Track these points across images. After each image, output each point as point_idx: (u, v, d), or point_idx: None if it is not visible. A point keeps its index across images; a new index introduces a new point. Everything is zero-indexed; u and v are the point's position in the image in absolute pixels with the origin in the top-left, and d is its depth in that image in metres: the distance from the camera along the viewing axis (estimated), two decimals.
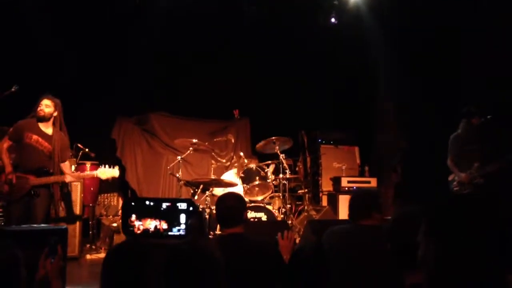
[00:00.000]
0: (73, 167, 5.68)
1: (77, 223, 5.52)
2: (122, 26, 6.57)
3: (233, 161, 7.19)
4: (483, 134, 5.04)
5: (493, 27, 5.59)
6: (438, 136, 5.63)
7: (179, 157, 5.78)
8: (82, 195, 5.65)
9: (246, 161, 6.16)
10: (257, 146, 6.20)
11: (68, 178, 4.55)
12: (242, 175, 5.97)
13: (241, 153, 6.42)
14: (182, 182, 5.75)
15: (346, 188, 6.99)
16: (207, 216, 5.30)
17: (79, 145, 5.96)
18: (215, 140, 6.93)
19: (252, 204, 5.69)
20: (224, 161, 7.26)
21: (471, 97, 5.54)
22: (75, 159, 5.89)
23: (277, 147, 5.99)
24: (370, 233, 2.52)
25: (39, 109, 4.47)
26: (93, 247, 6.01)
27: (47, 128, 4.54)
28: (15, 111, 4.70)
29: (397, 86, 7.20)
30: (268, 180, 5.92)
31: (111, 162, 4.89)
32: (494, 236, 1.24)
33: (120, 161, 7.17)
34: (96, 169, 5.97)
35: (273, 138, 5.92)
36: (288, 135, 6.11)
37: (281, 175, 5.97)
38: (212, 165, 6.35)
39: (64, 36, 6.28)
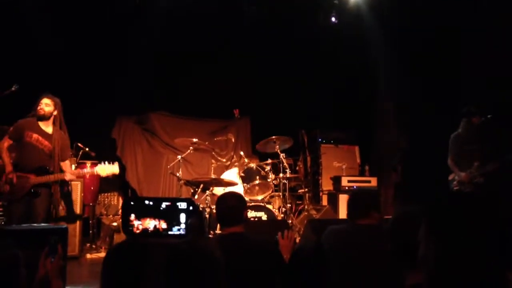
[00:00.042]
0: (73, 167, 5.68)
1: (77, 222, 5.52)
2: (122, 26, 6.57)
3: (233, 160, 7.19)
4: (483, 133, 5.05)
5: (493, 27, 5.59)
6: (438, 136, 5.64)
7: (179, 157, 5.78)
8: (83, 194, 5.65)
9: (246, 160, 6.16)
10: (257, 145, 6.21)
11: (68, 176, 4.55)
12: (242, 174, 5.97)
13: (241, 153, 6.42)
14: (182, 181, 5.75)
15: (346, 188, 6.99)
16: (207, 216, 5.31)
17: (79, 144, 5.97)
18: (215, 139, 6.94)
19: (252, 204, 5.69)
20: (224, 160, 7.26)
21: (471, 97, 5.54)
22: (75, 158, 5.90)
23: (277, 146, 5.99)
24: (368, 233, 2.52)
25: (39, 108, 4.48)
26: (93, 246, 6.01)
27: (47, 127, 4.55)
28: (15, 111, 4.70)
29: (397, 86, 7.20)
30: (269, 180, 5.92)
31: (111, 161, 4.88)
32: (494, 235, 1.24)
33: (120, 160, 7.18)
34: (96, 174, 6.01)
35: (273, 137, 5.93)
36: (288, 135, 6.12)
37: (281, 175, 5.98)
38: (212, 165, 6.35)
39: (64, 35, 6.28)
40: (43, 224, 3.77)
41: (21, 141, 4.45)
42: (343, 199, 6.78)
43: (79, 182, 5.64)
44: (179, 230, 3.12)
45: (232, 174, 6.12)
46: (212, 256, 1.66)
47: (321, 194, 7.63)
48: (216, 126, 7.82)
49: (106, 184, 6.73)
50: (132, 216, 3.07)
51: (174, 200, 3.23)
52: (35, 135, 4.45)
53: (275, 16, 6.96)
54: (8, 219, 4.44)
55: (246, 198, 5.72)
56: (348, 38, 7.20)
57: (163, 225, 3.10)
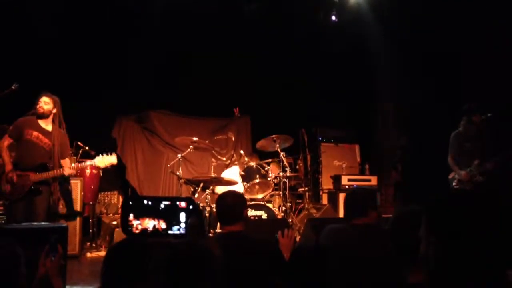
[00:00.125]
0: (73, 164, 5.69)
1: (77, 221, 5.52)
2: (122, 25, 6.57)
3: (233, 159, 7.19)
4: (483, 132, 5.05)
5: (493, 27, 5.58)
6: (438, 134, 5.64)
7: (179, 155, 5.78)
8: (83, 193, 5.65)
9: (246, 159, 6.16)
10: (258, 144, 6.20)
11: (67, 171, 4.53)
12: (243, 173, 5.97)
13: (242, 151, 6.41)
14: (182, 180, 5.75)
15: (347, 186, 6.98)
16: (207, 214, 5.31)
17: (79, 143, 5.97)
18: (215, 138, 6.93)
19: (253, 202, 5.69)
20: (224, 159, 7.25)
21: (471, 95, 5.53)
22: (75, 157, 5.89)
23: (278, 145, 5.99)
24: (367, 232, 2.52)
25: (38, 106, 4.49)
26: (94, 245, 6.01)
27: (47, 125, 4.56)
28: (15, 110, 4.70)
29: (397, 86, 7.20)
30: (269, 178, 5.92)
31: (109, 152, 4.85)
32: (494, 234, 1.24)
33: (120, 159, 7.18)
34: (96, 167, 6.00)
35: (274, 136, 5.92)
36: (288, 133, 6.12)
37: (281, 173, 5.98)
38: (213, 163, 6.35)
39: (64, 35, 6.28)
40: (43, 223, 3.76)
41: (21, 139, 4.46)
42: (343, 198, 6.71)
43: (79, 181, 5.65)
44: (179, 229, 3.11)
45: (232, 173, 6.12)
46: (212, 255, 1.66)
47: (321, 193, 7.63)
48: (216, 124, 7.81)
49: (106, 183, 6.74)
50: (131, 216, 3.07)
51: (173, 200, 3.23)
52: (35, 133, 4.46)
53: (275, 16, 6.96)
54: (10, 218, 4.45)
55: (246, 197, 5.72)
56: (348, 37, 7.19)
57: (163, 225, 3.10)
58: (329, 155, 7.76)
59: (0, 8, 5.72)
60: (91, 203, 6.12)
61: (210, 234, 5.00)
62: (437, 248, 1.28)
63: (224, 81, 7.33)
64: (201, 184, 5.74)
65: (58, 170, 4.45)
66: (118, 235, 5.66)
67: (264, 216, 5.56)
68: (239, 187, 5.85)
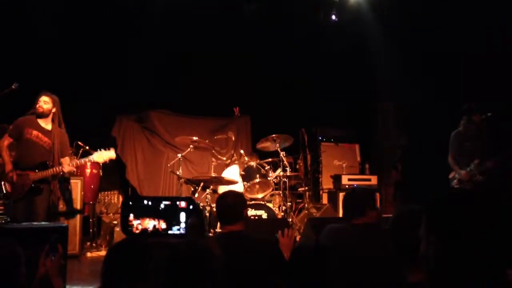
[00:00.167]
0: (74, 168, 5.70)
1: (78, 221, 5.52)
2: (122, 25, 6.56)
3: (233, 158, 7.19)
4: (483, 131, 5.05)
5: (493, 27, 5.58)
6: (438, 133, 5.64)
7: (179, 155, 5.78)
8: (83, 193, 5.66)
9: (246, 158, 6.16)
10: (258, 143, 6.20)
11: (66, 168, 4.54)
12: (243, 173, 5.97)
13: (242, 151, 6.42)
14: (182, 180, 5.75)
15: (347, 186, 6.99)
16: (207, 214, 5.31)
17: (79, 142, 5.96)
18: (215, 137, 6.93)
19: (253, 202, 5.69)
20: (224, 158, 7.25)
21: (471, 95, 5.53)
22: (75, 157, 5.89)
23: (278, 144, 5.99)
24: (367, 231, 2.52)
25: (37, 105, 4.50)
26: (94, 245, 6.01)
27: (47, 124, 4.57)
28: (15, 109, 4.71)
29: (397, 85, 7.20)
30: (269, 178, 5.92)
31: (107, 147, 4.84)
32: (494, 233, 1.24)
33: (120, 159, 7.18)
34: (96, 166, 6.02)
35: (274, 135, 5.92)
36: (288, 133, 6.12)
37: (281, 173, 5.98)
38: (213, 163, 6.35)
39: (65, 34, 6.28)
40: (43, 223, 3.76)
41: (21, 138, 4.47)
42: (343, 198, 6.76)
43: (79, 181, 5.65)
44: (179, 229, 3.11)
45: (233, 172, 6.12)
46: (212, 255, 1.66)
47: (321, 192, 7.63)
48: (216, 124, 7.81)
49: (106, 182, 6.74)
50: (131, 216, 3.07)
51: (173, 200, 3.23)
52: (35, 132, 4.47)
53: (275, 16, 6.96)
54: (12, 218, 4.45)
55: (246, 197, 5.72)
56: (348, 36, 7.19)
57: (163, 225, 3.10)
58: (329, 154, 7.76)
59: (0, 8, 5.72)
60: (91, 202, 6.13)
61: (210, 234, 5.00)
62: (437, 248, 1.28)
63: (224, 81, 7.33)
64: (201, 184, 5.74)
65: (57, 167, 4.46)
66: (118, 234, 5.66)
67: (264, 215, 5.56)
68: (239, 187, 5.85)
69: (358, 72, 7.41)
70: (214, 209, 3.38)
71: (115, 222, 6.01)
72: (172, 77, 7.29)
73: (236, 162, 6.58)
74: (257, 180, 5.84)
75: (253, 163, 5.97)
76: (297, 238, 4.44)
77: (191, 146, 5.78)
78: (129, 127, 7.40)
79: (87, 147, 5.97)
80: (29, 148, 4.44)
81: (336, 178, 7.27)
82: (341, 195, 6.81)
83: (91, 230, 6.16)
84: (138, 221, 3.10)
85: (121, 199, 7.09)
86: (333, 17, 7.23)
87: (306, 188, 7.16)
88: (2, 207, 4.99)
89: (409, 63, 6.62)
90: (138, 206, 3.15)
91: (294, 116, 7.65)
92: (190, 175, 6.69)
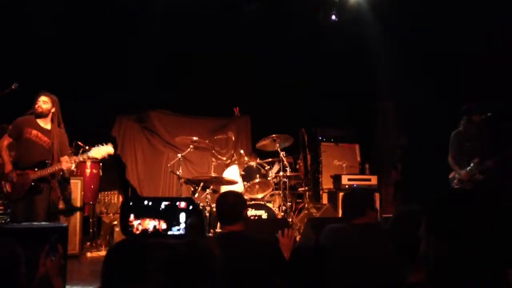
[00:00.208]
0: (73, 165, 5.68)
1: (78, 221, 5.52)
2: (122, 25, 6.56)
3: (233, 158, 7.19)
4: (483, 131, 5.05)
5: (493, 27, 5.58)
6: (438, 134, 5.64)
7: (179, 155, 5.78)
8: (83, 193, 5.65)
9: (246, 158, 6.16)
10: (258, 143, 6.20)
11: (64, 165, 4.54)
12: (243, 173, 5.97)
13: (242, 151, 6.41)
14: (182, 180, 5.75)
15: (347, 186, 6.98)
16: (207, 214, 5.31)
17: (79, 143, 5.96)
18: (215, 137, 6.93)
19: (253, 202, 5.68)
20: (224, 158, 7.25)
21: (471, 95, 5.53)
22: (75, 157, 5.88)
23: (278, 144, 5.99)
24: (367, 231, 2.52)
25: (36, 105, 4.51)
26: (94, 245, 6.01)
27: (46, 124, 4.58)
28: (15, 109, 4.71)
29: (397, 85, 7.20)
30: (269, 178, 5.92)
31: (111, 160, 4.86)
32: (494, 233, 1.24)
33: (120, 159, 7.18)
34: (96, 166, 6.02)
35: (274, 135, 5.92)
36: (288, 133, 6.11)
37: (281, 173, 5.97)
38: (213, 163, 6.35)
39: (64, 34, 6.28)
40: (43, 223, 3.76)
41: (20, 138, 4.47)
42: (342, 198, 6.76)
43: (79, 181, 5.65)
44: (178, 230, 3.12)
45: (233, 173, 6.12)
46: (212, 255, 1.66)
47: (321, 192, 7.63)
48: (216, 124, 7.81)
49: (106, 182, 6.74)
50: (132, 217, 3.07)
51: (173, 200, 3.24)
52: (34, 131, 4.48)
53: (275, 16, 6.95)
54: (12, 218, 4.45)
55: (246, 197, 5.72)
56: (348, 36, 7.19)
57: (163, 225, 3.10)
58: (329, 154, 7.76)
59: (0, 8, 5.72)
60: (91, 202, 6.13)
61: (210, 234, 5.00)
62: (437, 248, 1.28)
63: (224, 81, 7.33)
64: (201, 184, 5.74)
65: (56, 164, 4.46)
66: (118, 235, 5.66)
67: (264, 215, 5.56)
68: (239, 187, 5.85)
69: (358, 72, 7.41)
70: (214, 209, 3.38)
71: (115, 222, 6.01)
72: (172, 77, 7.29)
73: (236, 162, 6.58)
74: (257, 180, 5.84)
75: (253, 163, 5.96)
76: (297, 238, 4.44)
77: (191, 146, 5.78)
78: (129, 127, 7.39)
79: (87, 147, 5.96)
80: (28, 147, 4.45)
81: (336, 178, 7.27)
82: (341, 195, 6.81)
83: (91, 230, 6.16)
84: (139, 221, 3.10)
85: (121, 199, 7.09)
86: (333, 17, 7.23)
87: (306, 188, 7.16)
88: (2, 207, 4.99)
89: (409, 63, 6.62)
90: (138, 207, 3.16)
91: (294, 116, 7.65)
92: (190, 175, 6.69)
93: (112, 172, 7.02)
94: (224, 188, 5.82)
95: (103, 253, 5.56)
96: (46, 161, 4.44)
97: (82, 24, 6.37)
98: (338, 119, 7.91)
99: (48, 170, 4.42)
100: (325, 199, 7.47)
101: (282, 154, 5.95)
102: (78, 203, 5.57)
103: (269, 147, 6.18)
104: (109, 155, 4.73)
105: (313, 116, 7.85)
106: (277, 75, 7.49)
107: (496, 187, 4.83)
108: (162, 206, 3.15)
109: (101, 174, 6.14)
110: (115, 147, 7.09)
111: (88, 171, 5.96)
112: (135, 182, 7.21)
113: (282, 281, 2.15)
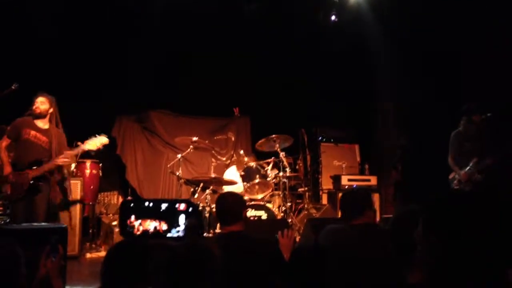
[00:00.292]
0: (73, 165, 5.69)
1: (77, 222, 5.51)
2: (122, 25, 6.56)
3: (233, 159, 7.19)
4: (483, 131, 5.04)
5: (493, 27, 5.58)
6: (438, 134, 5.63)
7: (179, 155, 5.78)
8: (82, 193, 5.65)
9: (246, 159, 6.16)
10: (257, 144, 6.20)
11: (60, 160, 4.54)
12: (242, 173, 5.96)
13: (241, 151, 6.41)
14: (182, 180, 5.75)
15: (346, 186, 6.98)
16: (207, 215, 5.30)
17: (78, 143, 5.95)
18: (215, 138, 6.93)
19: (252, 203, 5.68)
20: (224, 159, 7.26)
21: (471, 95, 5.53)
22: (69, 151, 5.88)
23: (277, 145, 5.99)
24: (366, 232, 2.52)
25: (34, 106, 4.52)
26: (93, 245, 6.00)
27: (44, 125, 4.60)
28: (15, 110, 4.71)
29: (397, 85, 7.20)
30: (268, 178, 5.92)
31: (111, 160, 4.86)
32: (493, 234, 1.24)
33: (120, 159, 7.19)
34: (96, 166, 6.02)
35: (273, 136, 5.92)
36: (288, 133, 6.11)
37: (281, 173, 5.97)
38: (212, 163, 6.35)
39: (64, 34, 6.28)
40: (43, 224, 3.76)
41: (19, 139, 4.49)
42: (341, 198, 6.75)
43: (79, 181, 5.65)
44: (177, 232, 3.12)
45: (233, 173, 6.12)
46: (211, 255, 1.66)
47: (321, 193, 7.63)
48: (216, 124, 7.82)
49: (106, 183, 6.73)
50: (132, 217, 3.07)
51: (173, 202, 3.24)
52: (32, 132, 4.50)
53: (275, 16, 6.95)
54: (12, 218, 4.46)
55: (246, 197, 5.72)
56: (348, 36, 7.19)
57: (164, 226, 3.11)
58: (329, 155, 7.76)
59: (0, 8, 5.72)
60: (90, 203, 6.12)
61: (210, 234, 4.99)
62: (437, 249, 1.28)
63: (224, 81, 7.33)
64: (201, 184, 5.74)
65: (52, 161, 4.45)
66: (118, 235, 5.66)
67: (264, 216, 5.56)
68: (239, 187, 5.84)
69: (358, 72, 7.41)
70: (214, 210, 3.38)
71: (114, 223, 6.00)
72: (172, 77, 7.29)
73: (236, 162, 6.58)
74: (257, 180, 5.84)
75: (252, 164, 5.96)
76: (297, 239, 4.44)
77: (191, 146, 5.78)
78: (129, 127, 7.40)
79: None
80: (27, 148, 4.46)
81: (336, 179, 7.26)
82: (341, 196, 6.80)
83: (90, 231, 6.15)
84: (139, 222, 3.10)
85: (121, 199, 7.09)
86: (333, 17, 7.23)
87: (306, 188, 7.15)
88: (2, 208, 4.99)
89: (409, 63, 6.62)
90: (139, 208, 3.16)
91: (294, 116, 7.65)
92: (190, 176, 6.69)
93: (112, 173, 7.02)
94: (226, 189, 5.82)
95: (102, 253, 5.55)
96: (43, 159, 4.44)
97: (82, 24, 6.37)
98: (338, 119, 7.91)
99: (45, 167, 4.43)
100: (324, 200, 7.47)
101: (282, 154, 5.95)
102: (78, 204, 5.55)
103: (269, 148, 6.17)
104: (104, 146, 4.71)
105: (313, 116, 7.85)
106: (277, 75, 7.50)
107: (495, 186, 4.83)
108: (163, 207, 3.16)
109: (100, 174, 6.14)
110: (115, 147, 7.13)
111: (88, 171, 5.96)
112: (134, 182, 7.21)
113: (282, 282, 2.15)
